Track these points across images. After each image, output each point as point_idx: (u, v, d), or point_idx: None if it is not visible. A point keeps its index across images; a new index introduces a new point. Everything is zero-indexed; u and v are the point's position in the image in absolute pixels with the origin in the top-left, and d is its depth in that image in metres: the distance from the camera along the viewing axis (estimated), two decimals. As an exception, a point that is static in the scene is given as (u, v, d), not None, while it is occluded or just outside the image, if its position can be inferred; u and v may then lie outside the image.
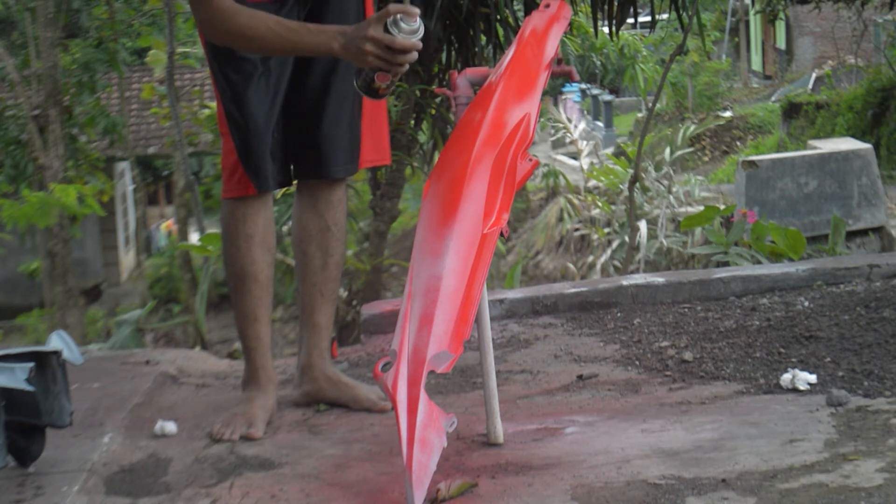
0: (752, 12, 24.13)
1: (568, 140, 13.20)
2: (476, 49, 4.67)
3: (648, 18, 7.05)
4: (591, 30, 6.97)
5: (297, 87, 2.71)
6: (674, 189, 10.18)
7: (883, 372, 2.71)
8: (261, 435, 2.61)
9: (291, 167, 2.79)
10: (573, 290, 3.75)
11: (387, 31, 2.30)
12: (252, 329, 2.75)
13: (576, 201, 11.31)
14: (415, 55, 2.34)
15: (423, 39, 2.36)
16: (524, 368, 3.09)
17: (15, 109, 11.17)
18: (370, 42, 2.30)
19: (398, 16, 2.29)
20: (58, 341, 2.40)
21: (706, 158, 21.06)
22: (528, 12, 4.12)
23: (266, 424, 2.67)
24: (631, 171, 7.80)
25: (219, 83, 2.66)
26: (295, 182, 2.87)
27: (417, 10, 2.32)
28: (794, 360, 2.90)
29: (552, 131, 16.96)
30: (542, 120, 13.74)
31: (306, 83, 2.71)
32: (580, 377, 2.95)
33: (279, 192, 3.74)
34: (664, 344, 3.19)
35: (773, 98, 23.68)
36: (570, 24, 5.34)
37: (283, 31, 2.40)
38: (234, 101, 2.64)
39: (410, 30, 2.30)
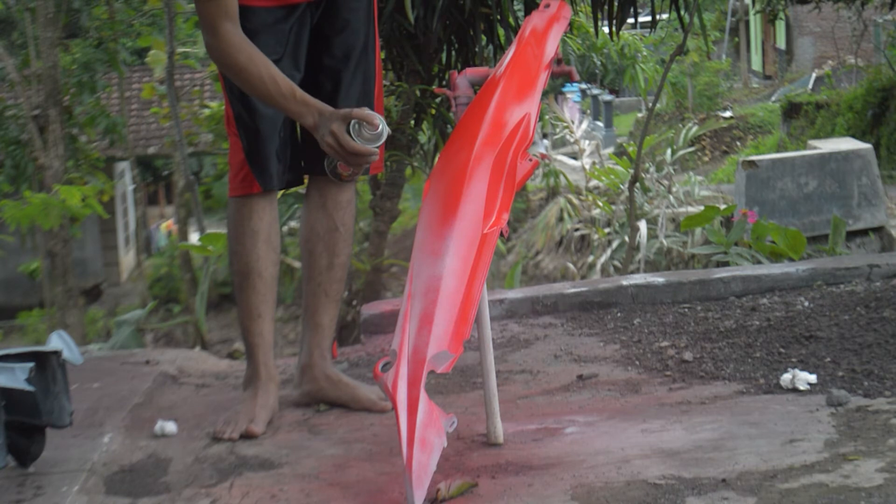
0: (752, 12, 24.13)
1: (571, 140, 13.19)
2: (476, 49, 4.67)
3: (648, 18, 7.04)
4: (592, 29, 6.96)
5: (309, 85, 2.73)
6: (674, 189, 10.17)
7: (883, 372, 2.71)
8: (261, 432, 2.62)
9: (302, 164, 2.82)
10: (573, 290, 3.75)
11: (350, 130, 2.37)
12: (255, 326, 2.75)
13: (576, 201, 11.30)
14: (373, 157, 2.41)
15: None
16: (524, 368, 3.09)
17: (15, 109, 11.17)
18: (330, 136, 2.39)
19: (358, 123, 2.37)
20: (58, 341, 2.40)
21: (706, 158, 21.07)
22: (528, 12, 4.12)
23: (267, 423, 2.67)
24: (632, 171, 7.80)
25: (227, 83, 2.68)
26: (305, 181, 2.89)
27: (379, 120, 2.38)
28: (794, 360, 2.90)
29: (554, 131, 16.95)
30: (545, 118, 13.71)
31: (318, 81, 2.74)
32: (580, 377, 2.95)
33: (279, 193, 3.73)
34: (664, 344, 3.19)
35: (773, 98, 23.69)
36: (571, 24, 5.34)
37: (272, 87, 2.46)
38: (241, 101, 2.67)
39: (370, 137, 2.38)
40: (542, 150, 16.78)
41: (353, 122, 2.37)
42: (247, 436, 2.60)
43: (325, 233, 2.83)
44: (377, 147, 2.40)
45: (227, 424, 2.64)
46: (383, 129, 2.39)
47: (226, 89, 2.72)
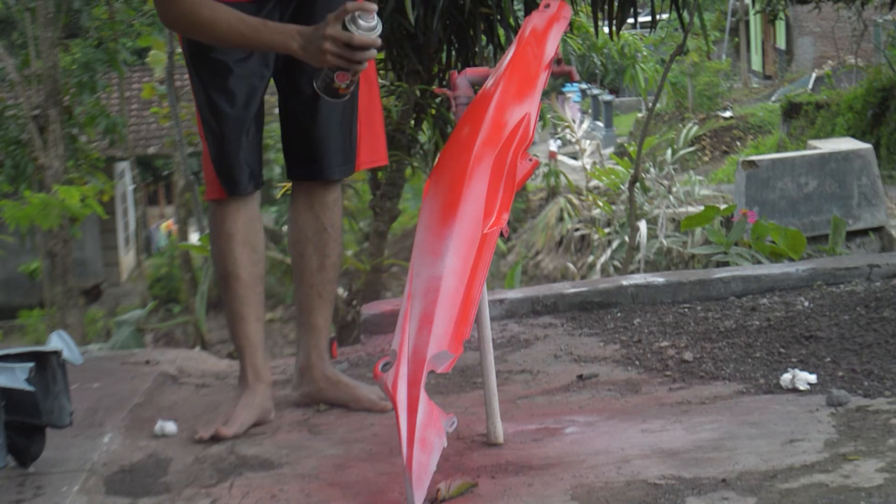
0: (752, 12, 24.14)
1: (572, 140, 13.20)
2: (476, 49, 4.67)
3: (648, 18, 7.05)
4: (592, 29, 6.96)
5: (290, 88, 2.72)
6: (674, 189, 10.18)
7: (883, 372, 2.71)
8: (231, 433, 2.58)
9: (285, 167, 2.82)
10: (573, 290, 3.75)
11: (345, 28, 2.31)
12: (239, 328, 2.74)
13: (576, 201, 11.31)
14: (374, 52, 2.35)
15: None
16: (524, 368, 3.09)
17: (15, 109, 11.17)
18: (329, 41, 2.31)
19: (356, 13, 2.32)
20: (58, 341, 2.40)
21: (706, 158, 21.08)
22: (528, 12, 4.12)
23: (251, 424, 2.65)
24: (632, 171, 7.81)
25: (194, 85, 2.67)
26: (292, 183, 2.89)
27: (374, 7, 2.33)
28: (794, 360, 2.90)
29: (556, 130, 16.95)
30: (546, 117, 13.71)
31: (299, 84, 2.71)
32: (580, 377, 2.95)
33: (279, 192, 3.73)
34: (664, 344, 3.19)
35: (773, 98, 23.70)
36: (571, 24, 5.34)
37: (243, 27, 2.39)
38: (209, 104, 2.64)
39: (368, 27, 2.32)
40: (553, 149, 16.77)
41: (349, 15, 2.30)
42: (215, 438, 2.57)
43: (313, 234, 2.82)
44: (377, 36, 2.33)
45: (207, 425, 2.63)
46: (378, 18, 2.34)
47: (193, 88, 2.68)
